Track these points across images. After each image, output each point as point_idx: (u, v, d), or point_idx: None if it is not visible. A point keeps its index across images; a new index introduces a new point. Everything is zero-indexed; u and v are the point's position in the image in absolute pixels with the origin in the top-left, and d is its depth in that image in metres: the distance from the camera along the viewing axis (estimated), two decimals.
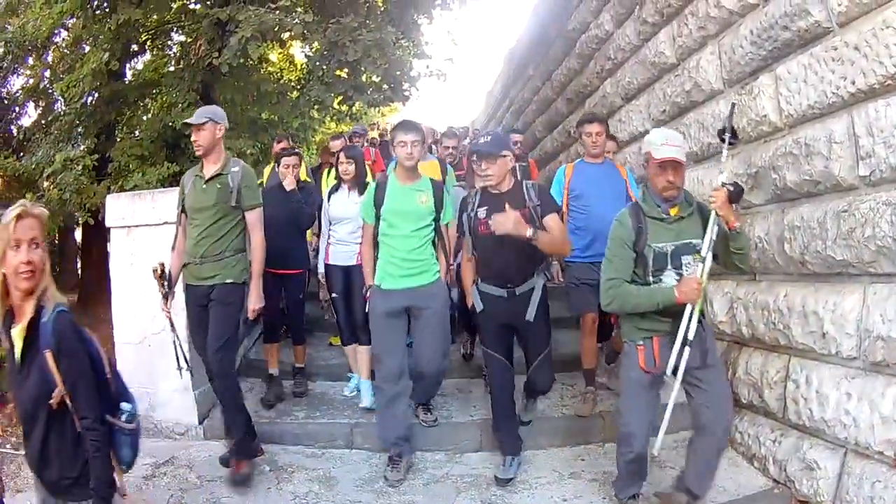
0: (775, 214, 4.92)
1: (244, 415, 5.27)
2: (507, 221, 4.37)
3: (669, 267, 4.01)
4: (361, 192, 6.14)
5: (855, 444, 3.94)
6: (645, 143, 4.15)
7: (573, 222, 5.92)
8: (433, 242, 5.29)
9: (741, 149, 5.35)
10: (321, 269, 6.70)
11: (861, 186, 4.01)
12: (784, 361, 4.76)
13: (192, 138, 5.19)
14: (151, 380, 6.20)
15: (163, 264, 5.18)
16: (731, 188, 3.99)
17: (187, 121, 5.35)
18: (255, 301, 5.22)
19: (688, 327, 3.93)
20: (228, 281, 5.11)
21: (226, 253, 5.14)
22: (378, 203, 5.20)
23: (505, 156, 4.74)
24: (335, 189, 6.57)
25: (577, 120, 6.30)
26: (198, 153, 5.24)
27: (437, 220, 5.25)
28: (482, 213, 4.78)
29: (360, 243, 5.68)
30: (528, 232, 4.38)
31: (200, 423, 6.19)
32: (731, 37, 5.39)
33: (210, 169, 5.20)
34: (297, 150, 7.44)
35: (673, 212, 4.06)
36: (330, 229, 6.54)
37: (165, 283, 5.16)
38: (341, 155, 6.60)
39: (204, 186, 5.18)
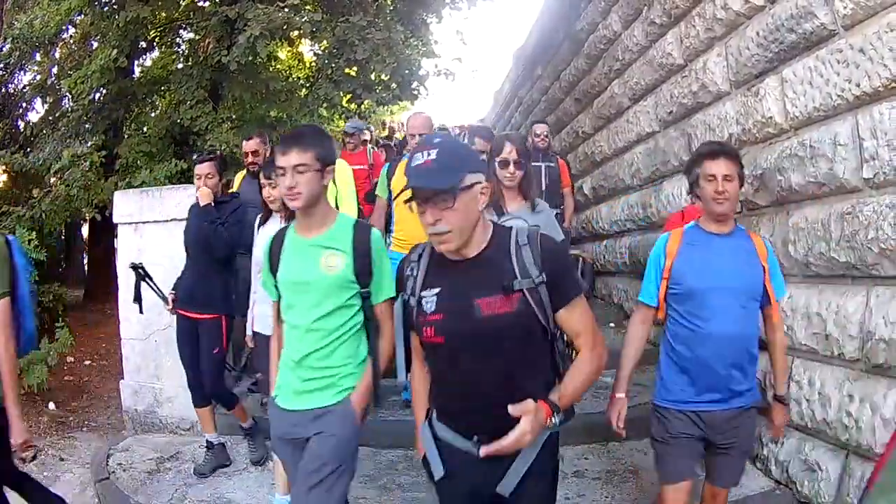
0: (780, 216, 4.92)
1: None
2: (507, 445, 2.31)
3: None
4: None
5: (856, 445, 3.94)
6: None
7: (672, 340, 3.62)
8: (363, 329, 3.21)
9: (747, 150, 5.36)
10: (249, 332, 4.97)
11: (865, 189, 4.00)
12: (787, 363, 4.75)
13: None
14: (157, 375, 6.25)
15: None
16: None
17: None
18: (14, 434, 3.46)
19: None
20: None
21: None
22: (273, 267, 3.27)
23: (470, 186, 2.44)
24: (265, 220, 4.83)
25: (696, 151, 3.89)
26: None
27: (366, 296, 3.15)
28: (429, 301, 2.58)
29: None
30: (553, 420, 2.40)
31: None
32: (737, 39, 5.39)
33: None
34: (213, 156, 5.64)
35: None
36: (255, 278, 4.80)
37: None
38: (261, 176, 4.80)
39: None
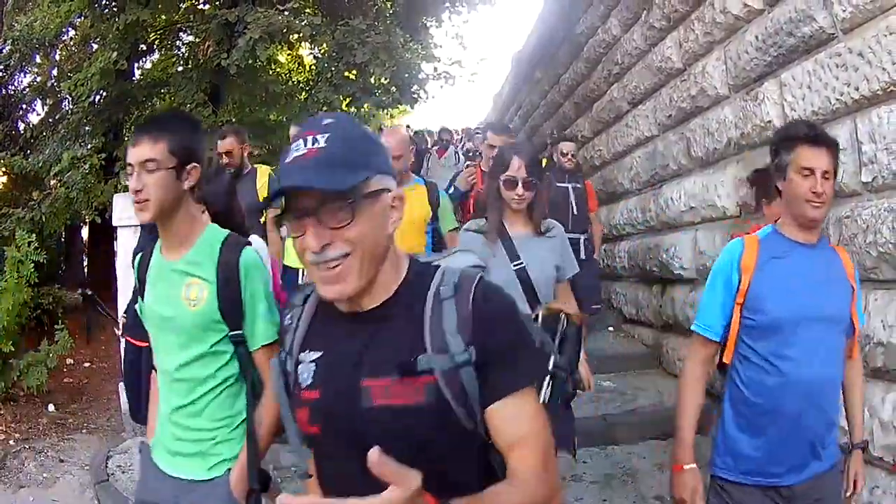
0: None
1: None
2: None
3: None
4: None
5: None
6: None
7: (744, 387, 2.67)
8: (242, 381, 2.49)
9: (746, 155, 5.36)
10: None
11: (863, 192, 4.01)
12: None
13: None
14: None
15: None
16: None
17: None
18: None
19: None
20: None
21: None
22: (141, 290, 2.58)
23: (376, 193, 1.47)
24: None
25: (777, 133, 3.03)
26: None
27: (238, 340, 2.43)
28: (306, 369, 1.58)
29: None
30: None
31: None
32: (736, 43, 5.40)
33: None
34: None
35: None
36: None
37: None
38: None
39: None
